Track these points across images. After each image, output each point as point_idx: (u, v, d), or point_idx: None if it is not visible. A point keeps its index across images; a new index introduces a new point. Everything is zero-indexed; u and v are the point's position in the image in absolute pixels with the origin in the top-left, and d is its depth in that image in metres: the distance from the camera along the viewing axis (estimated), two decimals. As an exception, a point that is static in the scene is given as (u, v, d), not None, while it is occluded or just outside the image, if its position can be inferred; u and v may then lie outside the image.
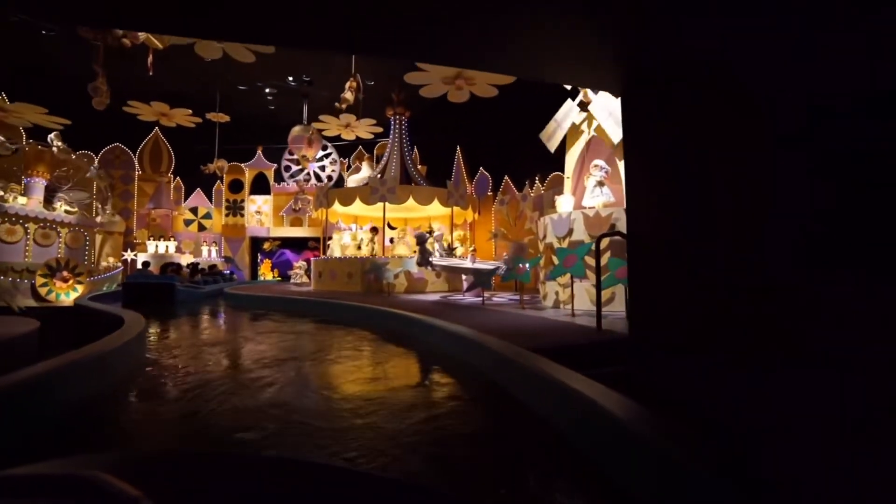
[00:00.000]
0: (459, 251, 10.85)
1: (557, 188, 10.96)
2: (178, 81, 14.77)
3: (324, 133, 15.20)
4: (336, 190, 11.82)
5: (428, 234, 8.31)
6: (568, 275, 5.92)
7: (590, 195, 6.24)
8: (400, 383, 3.16)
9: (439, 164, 16.11)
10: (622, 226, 5.77)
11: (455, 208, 11.50)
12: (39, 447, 2.00)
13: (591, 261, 5.66)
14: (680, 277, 2.44)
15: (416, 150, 15.12)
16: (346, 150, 19.80)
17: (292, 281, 14.29)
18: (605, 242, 5.65)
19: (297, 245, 20.21)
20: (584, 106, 6.93)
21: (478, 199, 13.51)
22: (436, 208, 12.04)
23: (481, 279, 6.69)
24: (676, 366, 2.39)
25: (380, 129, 15.13)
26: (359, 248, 11.64)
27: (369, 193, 10.45)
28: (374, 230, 11.58)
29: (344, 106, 10.07)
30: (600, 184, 6.21)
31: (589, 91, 6.77)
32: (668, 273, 2.58)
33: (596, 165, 6.26)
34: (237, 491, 0.52)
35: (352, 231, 12.09)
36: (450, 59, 3.10)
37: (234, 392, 2.89)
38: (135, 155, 17.89)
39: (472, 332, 3.97)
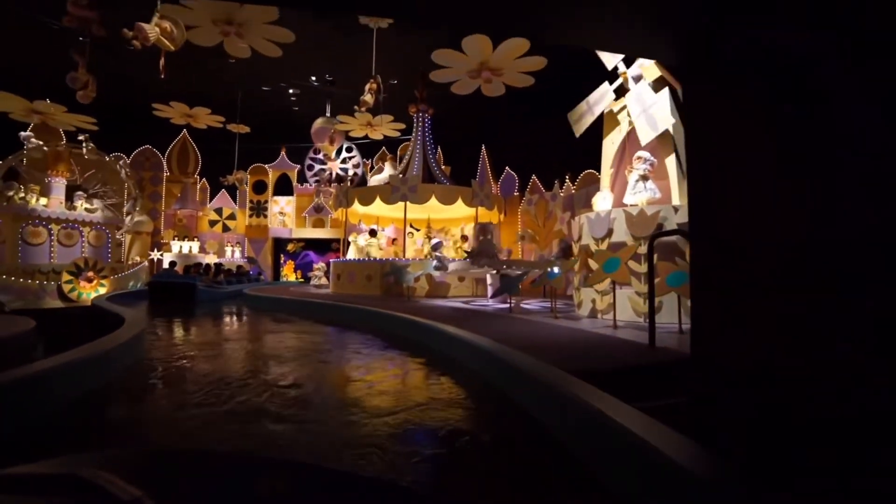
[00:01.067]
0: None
1: (591, 186, 10.24)
2: (201, 84, 14.84)
3: (347, 132, 14.91)
4: (356, 189, 11.46)
5: (491, 227, 7.76)
6: (607, 281, 5.27)
7: (632, 191, 5.56)
8: (407, 416, 2.62)
9: (464, 165, 15.59)
10: (670, 224, 5.08)
11: (480, 209, 10.93)
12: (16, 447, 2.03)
13: (634, 265, 4.99)
14: (779, 290, 1.81)
15: (439, 150, 14.62)
16: (370, 151, 19.56)
17: (312, 283, 14.03)
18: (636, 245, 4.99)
19: (321, 246, 20.06)
20: (621, 92, 6.26)
21: (503, 199, 12.89)
22: (459, 209, 11.49)
23: (508, 284, 6.10)
24: (761, 399, 1.76)
25: (402, 126, 14.72)
26: (380, 248, 11.23)
27: (390, 192, 10.01)
28: (372, 233, 11.13)
29: (363, 109, 9.68)
30: (644, 178, 5.52)
31: (630, 78, 6.10)
32: (759, 284, 1.96)
33: (639, 157, 5.58)
34: (235, 490, 0.51)
35: (363, 233, 11.69)
36: (499, 23, 2.56)
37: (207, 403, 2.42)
38: (163, 157, 18.15)
39: (499, 348, 3.39)
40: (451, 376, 3.53)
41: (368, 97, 9.56)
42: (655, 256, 4.95)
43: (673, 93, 5.76)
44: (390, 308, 6.52)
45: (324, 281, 13.30)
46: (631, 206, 5.49)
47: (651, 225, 5.11)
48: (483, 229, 7.41)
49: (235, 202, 19.32)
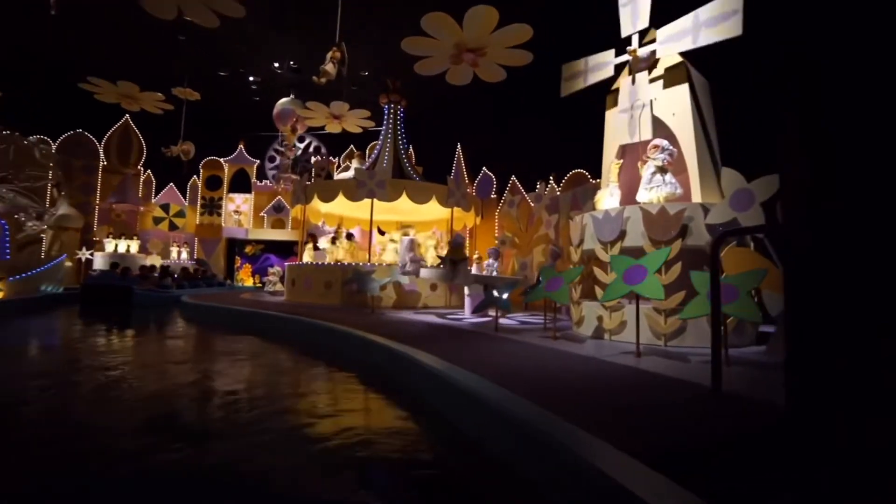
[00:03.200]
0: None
1: (579, 188, 9.36)
2: (150, 64, 13.10)
3: (309, 122, 13.51)
4: (316, 183, 10.11)
5: (462, 238, 6.62)
6: (614, 300, 4.27)
7: (647, 186, 4.60)
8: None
9: (437, 166, 14.45)
10: (697, 226, 4.14)
11: (456, 210, 9.84)
12: None
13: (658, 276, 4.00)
14: None
15: (411, 148, 13.44)
16: (337, 149, 18.17)
17: (266, 289, 12.51)
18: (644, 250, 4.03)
19: (284, 249, 18.39)
20: (627, 69, 5.34)
21: (480, 201, 11.87)
22: (432, 209, 10.37)
23: (494, 298, 5.00)
24: None
25: (372, 124, 13.48)
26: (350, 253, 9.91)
27: (355, 188, 8.76)
28: (349, 236, 9.88)
29: (324, 80, 8.42)
30: (662, 170, 4.58)
31: (641, 52, 5.18)
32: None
33: (656, 146, 4.64)
34: None
35: (326, 236, 10.39)
36: None
37: None
38: (100, 144, 16.10)
39: (501, 395, 2.27)
40: (427, 442, 2.37)
41: (330, 66, 8.32)
42: (679, 265, 4.01)
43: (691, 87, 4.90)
44: (351, 324, 5.28)
45: (279, 287, 11.84)
46: (647, 203, 4.53)
47: (674, 226, 4.15)
48: (455, 245, 6.37)
49: (185, 198, 17.43)
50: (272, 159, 17.58)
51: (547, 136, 11.05)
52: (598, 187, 8.68)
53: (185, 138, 13.91)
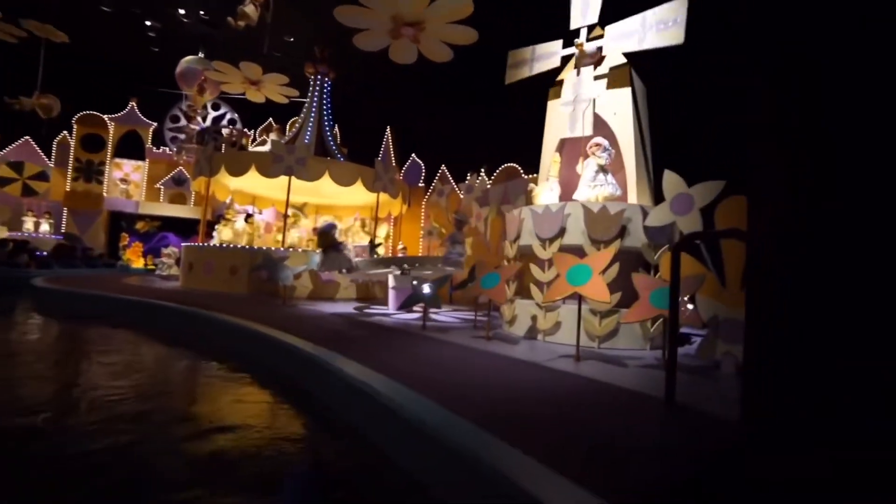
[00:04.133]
0: (381, 251, 8.61)
1: (510, 181, 9.27)
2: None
3: (226, 86, 11.86)
4: (224, 154, 8.83)
5: (333, 226, 5.97)
6: (550, 299, 4.09)
7: (590, 183, 4.47)
8: None
9: (362, 149, 13.61)
10: (635, 228, 4.07)
11: (382, 196, 9.23)
12: None
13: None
14: None
15: (336, 128, 12.44)
16: (257, 122, 16.35)
17: (158, 272, 10.82)
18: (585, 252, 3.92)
19: (185, 228, 16.14)
20: (573, 62, 5.19)
21: (408, 188, 11.37)
22: (357, 193, 9.64)
23: (423, 293, 4.57)
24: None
25: (296, 93, 12.20)
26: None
27: (271, 162, 7.75)
28: (248, 218, 8.84)
29: (242, 23, 7.29)
30: (603, 170, 4.48)
31: (587, 44, 5.05)
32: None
33: (598, 144, 4.52)
34: None
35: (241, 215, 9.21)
36: None
37: None
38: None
39: (442, 417, 1.85)
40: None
41: (251, 8, 7.21)
42: (616, 267, 3.91)
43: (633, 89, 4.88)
44: (254, 317, 4.50)
45: (175, 271, 10.29)
46: (589, 201, 4.40)
47: (613, 227, 4.05)
48: (323, 233, 5.84)
49: (49, 157, 14.52)
50: (175, 120, 15.28)
51: (480, 126, 10.88)
52: (532, 182, 8.68)
53: (45, 89, 11.42)
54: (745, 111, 1.77)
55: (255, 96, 11.45)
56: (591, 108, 5.04)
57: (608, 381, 2.78)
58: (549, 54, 5.47)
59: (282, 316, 5.10)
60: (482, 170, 9.73)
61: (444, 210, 9.34)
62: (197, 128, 12.79)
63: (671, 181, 3.75)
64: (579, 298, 3.42)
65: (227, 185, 9.89)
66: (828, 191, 1.41)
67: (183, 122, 14.50)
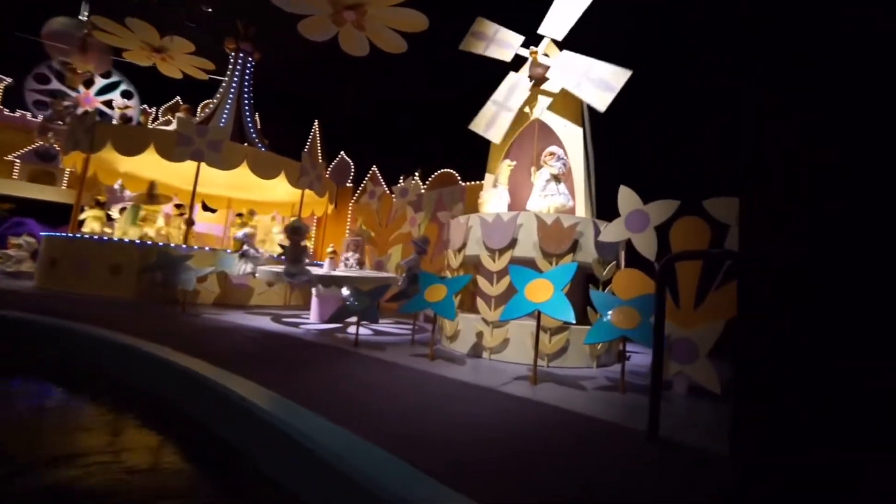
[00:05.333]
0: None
1: (446, 188, 8.98)
2: None
3: (128, 55, 10.04)
4: (110, 126, 7.37)
5: (302, 226, 5.16)
6: (498, 315, 3.82)
7: (541, 193, 4.29)
8: None
9: (286, 142, 12.53)
10: (586, 242, 3.96)
11: (307, 194, 8.40)
12: None
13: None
14: None
15: (257, 116, 11.20)
16: (158, 100, 14.20)
17: (4, 268, 8.73)
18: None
19: (54, 215, 13.36)
20: (537, 78, 5.05)
21: (336, 187, 10.60)
22: (278, 189, 8.71)
23: (361, 304, 4.01)
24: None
25: (211, 66, 10.72)
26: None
27: (175, 143, 6.60)
28: (190, 223, 7.58)
29: None
30: (556, 179, 4.33)
31: (541, 55, 4.93)
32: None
33: (552, 153, 4.38)
34: None
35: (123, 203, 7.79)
36: None
37: None
38: None
39: (398, 470, 1.39)
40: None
41: None
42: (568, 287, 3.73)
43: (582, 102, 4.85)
44: (145, 333, 3.59)
45: (27, 267, 8.38)
46: (541, 211, 4.20)
47: (566, 240, 3.89)
48: (293, 233, 5.04)
49: None
50: (43, 80, 12.61)
51: (417, 128, 10.51)
52: (472, 190, 8.46)
53: None
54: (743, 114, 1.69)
55: (168, 70, 9.87)
56: (510, 119, 4.94)
57: (576, 409, 2.52)
58: (506, 44, 5.24)
59: (181, 329, 4.21)
60: (416, 173, 9.33)
61: (375, 213, 8.75)
62: (70, 104, 10.60)
63: (627, 197, 3.68)
64: (538, 316, 3.15)
65: (116, 166, 8.32)
66: (828, 191, 1.38)
67: (55, 84, 12.01)
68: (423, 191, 9.29)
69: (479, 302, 4.04)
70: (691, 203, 3.44)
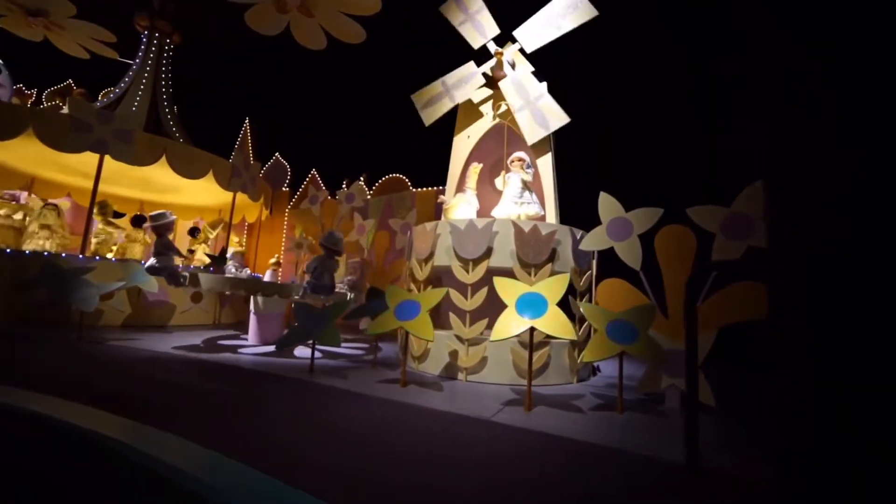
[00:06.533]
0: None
1: (395, 194, 8.47)
2: None
3: None
4: None
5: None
6: (475, 332, 3.49)
7: (517, 200, 4.01)
8: None
9: (210, 142, 11.32)
10: (564, 251, 3.75)
11: (240, 196, 7.47)
12: None
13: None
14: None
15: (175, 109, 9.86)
16: (36, 79, 12.03)
17: None
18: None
19: None
20: (491, 80, 4.81)
21: (271, 191, 9.65)
22: (205, 191, 7.65)
23: (316, 325, 3.42)
24: None
25: (114, 56, 9.22)
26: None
27: (68, 129, 5.44)
28: (192, 231, 6.30)
29: None
30: (527, 187, 4.08)
31: (505, 63, 4.70)
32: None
33: (521, 159, 4.13)
34: None
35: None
36: None
37: None
38: None
39: None
40: None
41: None
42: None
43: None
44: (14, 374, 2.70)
45: None
46: (512, 218, 3.91)
47: (545, 249, 3.63)
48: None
49: None
50: None
51: (361, 129, 9.92)
52: (423, 196, 8.04)
53: None
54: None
55: (25, 31, 8.12)
56: (448, 107, 4.77)
57: (589, 438, 2.21)
58: (465, 78, 4.94)
59: (73, 364, 3.31)
60: (361, 178, 8.75)
61: (317, 220, 8.01)
62: None
63: (608, 204, 3.51)
64: (531, 332, 2.82)
65: (-14, 159, 6.75)
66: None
67: None
68: (369, 196, 8.72)
69: (452, 317, 3.65)
70: (673, 211, 3.36)
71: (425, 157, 9.00)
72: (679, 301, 3.13)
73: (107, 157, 5.67)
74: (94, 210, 6.37)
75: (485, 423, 2.46)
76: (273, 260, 5.34)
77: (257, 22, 6.30)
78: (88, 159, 5.80)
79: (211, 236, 8.44)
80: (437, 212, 7.79)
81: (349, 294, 4.90)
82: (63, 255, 5.60)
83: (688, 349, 1.87)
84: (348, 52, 7.91)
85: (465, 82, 4.88)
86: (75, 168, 6.62)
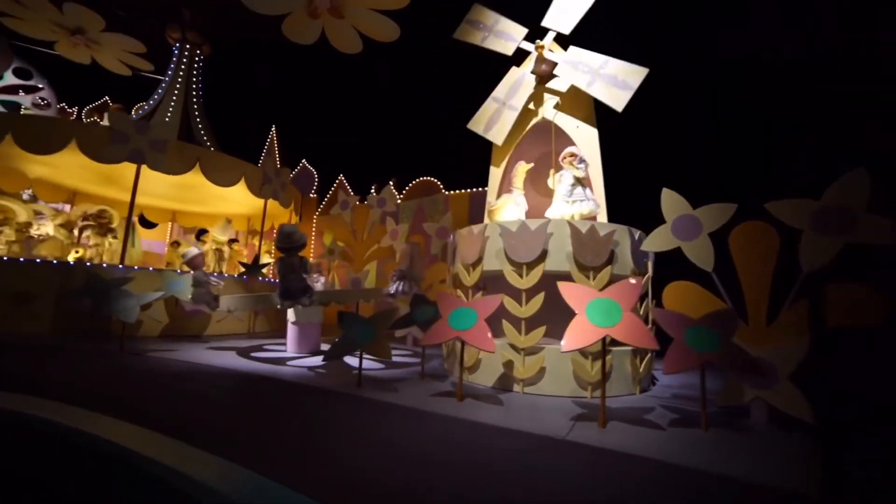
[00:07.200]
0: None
1: (426, 198, 8.33)
2: None
3: (24, 28, 8.49)
4: (12, 115, 6.04)
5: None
6: (539, 335, 3.27)
7: (568, 198, 3.77)
8: None
9: (236, 150, 11.40)
10: (622, 252, 3.50)
11: (271, 202, 7.44)
12: None
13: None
14: None
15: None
16: (76, 98, 12.38)
17: None
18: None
19: None
20: (543, 76, 4.60)
21: (301, 197, 9.62)
22: (235, 199, 7.65)
23: (362, 334, 3.25)
24: None
25: (150, 66, 9.41)
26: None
27: (107, 141, 5.47)
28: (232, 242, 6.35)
29: None
30: (580, 183, 3.84)
31: (547, 50, 4.49)
32: None
33: (573, 154, 3.89)
34: None
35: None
36: None
37: None
38: None
39: None
40: None
41: None
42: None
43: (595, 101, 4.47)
44: (58, 390, 2.62)
45: None
46: (566, 218, 3.68)
47: (604, 251, 3.39)
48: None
49: None
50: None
51: (388, 133, 9.83)
52: (456, 199, 7.88)
53: None
54: None
55: (74, 53, 8.38)
56: (513, 118, 4.49)
57: (683, 461, 1.96)
58: (507, 36, 4.78)
59: (119, 378, 3.23)
60: (391, 182, 8.63)
61: (349, 226, 7.92)
62: None
63: (672, 201, 3.24)
64: (603, 342, 2.58)
65: (24, 170, 6.89)
66: None
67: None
68: (399, 201, 8.60)
69: (506, 325, 3.43)
70: (749, 206, 3.08)
71: (455, 159, 8.84)
72: (761, 305, 2.84)
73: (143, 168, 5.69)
74: (90, 221, 6.44)
75: (560, 442, 2.24)
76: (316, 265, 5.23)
77: (293, 32, 6.28)
78: (126, 171, 5.83)
79: (222, 239, 8.06)
80: (471, 215, 7.60)
81: (400, 285, 4.67)
82: (104, 265, 5.62)
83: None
84: (374, 54, 7.82)
85: (517, 88, 4.68)
86: (117, 180, 6.69)
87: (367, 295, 4.35)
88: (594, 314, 2.58)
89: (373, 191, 9.14)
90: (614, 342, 3.00)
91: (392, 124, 10.24)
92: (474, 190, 7.70)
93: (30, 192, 7.41)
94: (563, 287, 2.77)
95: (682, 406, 3.13)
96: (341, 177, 10.24)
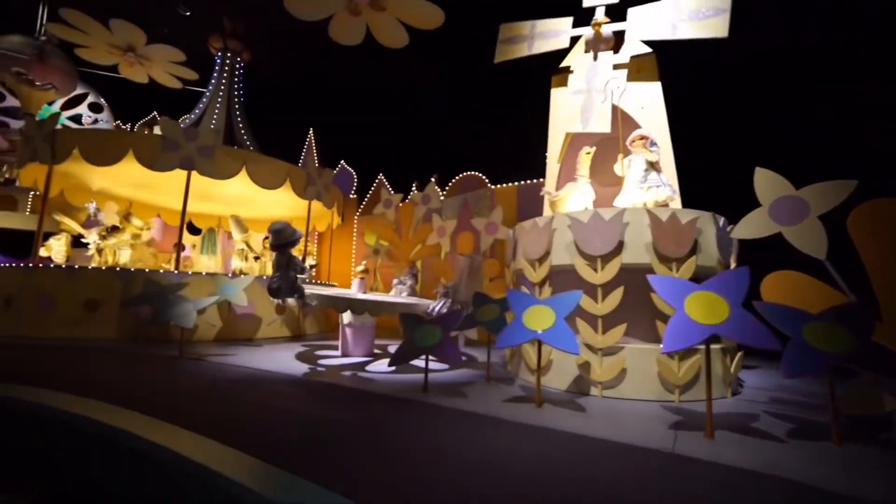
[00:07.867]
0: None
1: (470, 193, 8.11)
2: None
3: (88, 54, 8.93)
4: (76, 130, 6.26)
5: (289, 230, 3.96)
6: (618, 334, 3.00)
7: (642, 184, 3.45)
8: None
9: (274, 152, 11.53)
10: (706, 241, 3.15)
11: (314, 203, 7.43)
12: None
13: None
14: None
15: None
16: (128, 114, 12.95)
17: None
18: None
19: (18, 245, 11.84)
20: (584, 45, 4.30)
21: (343, 199, 9.62)
22: (279, 201, 7.70)
23: (435, 339, 3.07)
24: None
25: (195, 76, 9.66)
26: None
27: (159, 149, 5.57)
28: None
29: None
30: (654, 167, 3.51)
31: (604, 27, 4.17)
32: None
33: (643, 137, 3.56)
34: None
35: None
36: None
37: None
38: None
39: None
40: None
41: None
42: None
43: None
44: (126, 400, 2.58)
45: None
46: (641, 206, 3.37)
47: (687, 240, 3.05)
48: (277, 237, 3.68)
49: None
50: None
51: (426, 132, 9.69)
52: (502, 193, 7.61)
53: None
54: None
55: (134, 73, 8.80)
56: (609, 100, 4.12)
57: (841, 489, 1.64)
58: (554, 32, 4.51)
59: (182, 386, 3.19)
60: (433, 179, 8.45)
61: (392, 224, 7.81)
62: (16, 126, 9.36)
63: (768, 181, 2.87)
64: (707, 344, 2.27)
65: (87, 183, 7.18)
66: None
67: (9, 100, 10.65)
68: (442, 197, 8.42)
69: (580, 323, 3.16)
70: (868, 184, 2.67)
71: (498, 152, 8.56)
72: (893, 295, 2.44)
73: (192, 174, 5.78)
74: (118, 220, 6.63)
75: (669, 456, 1.96)
76: (360, 268, 5.12)
77: (340, 34, 6.24)
78: (176, 180, 5.95)
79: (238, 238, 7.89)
80: (520, 208, 7.32)
81: (443, 304, 4.46)
82: (161, 271, 5.74)
83: None
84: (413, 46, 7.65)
85: (550, 36, 4.47)
86: (165, 187, 6.86)
87: (401, 309, 4.02)
88: (695, 310, 2.28)
89: (414, 188, 9.00)
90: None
91: (428, 122, 10.09)
92: (523, 183, 7.40)
93: (94, 204, 7.73)
94: (655, 280, 2.48)
95: (791, 413, 2.77)
96: (381, 176, 10.17)
